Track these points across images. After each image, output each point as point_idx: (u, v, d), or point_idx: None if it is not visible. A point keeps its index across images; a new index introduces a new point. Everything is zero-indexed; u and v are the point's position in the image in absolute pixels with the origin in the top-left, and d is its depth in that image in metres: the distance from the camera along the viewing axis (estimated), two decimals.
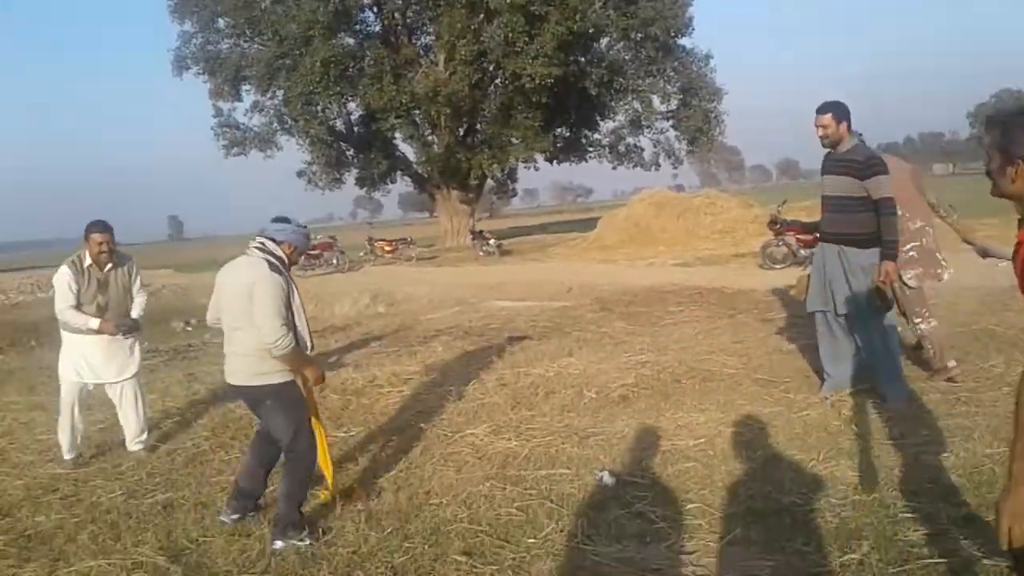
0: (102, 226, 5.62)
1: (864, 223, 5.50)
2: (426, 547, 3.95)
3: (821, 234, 5.90)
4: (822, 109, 5.61)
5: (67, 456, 5.79)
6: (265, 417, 4.36)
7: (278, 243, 4.26)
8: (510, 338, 9.42)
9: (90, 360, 5.77)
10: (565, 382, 6.87)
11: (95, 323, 5.62)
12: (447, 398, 6.70)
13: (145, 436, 6.03)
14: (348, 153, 35.01)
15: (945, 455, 4.53)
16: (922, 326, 6.27)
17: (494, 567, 3.69)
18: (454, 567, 3.71)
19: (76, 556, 4.11)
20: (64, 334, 5.85)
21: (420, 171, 34.78)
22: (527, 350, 8.51)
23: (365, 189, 37.37)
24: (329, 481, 4.60)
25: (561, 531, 4.03)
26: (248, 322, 4.09)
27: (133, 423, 5.96)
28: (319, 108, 31.53)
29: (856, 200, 5.52)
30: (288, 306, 4.15)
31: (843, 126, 5.56)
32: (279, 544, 4.07)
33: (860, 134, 5.69)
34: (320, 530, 4.21)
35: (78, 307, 5.63)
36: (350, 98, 31.94)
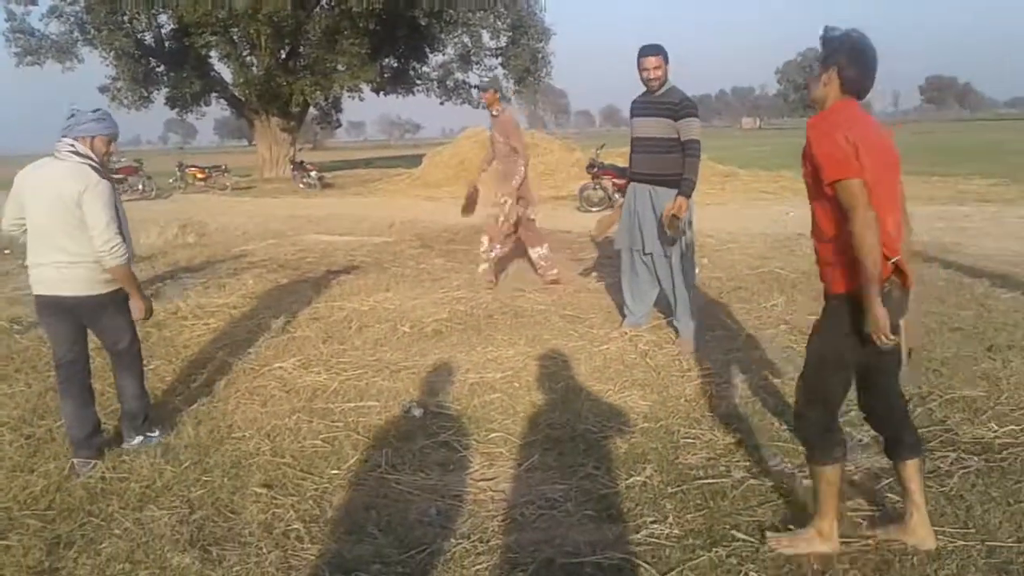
0: None
1: (674, 164, 5.67)
2: (225, 480, 3.89)
3: (632, 174, 6.05)
4: (650, 51, 5.68)
5: None
6: (104, 324, 4.16)
7: (91, 139, 3.98)
8: (327, 272, 9.26)
9: None
10: (380, 316, 6.86)
11: None
12: (256, 331, 6.53)
13: None
14: (158, 70, 32.45)
15: (725, 386, 4.94)
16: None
17: (295, 498, 3.69)
18: (253, 499, 3.68)
19: None
20: None
21: (237, 94, 32.89)
22: (343, 284, 8.40)
23: (176, 110, 34.86)
24: None
25: (366, 462, 4.08)
26: (79, 230, 3.87)
27: None
28: (126, 18, 28.96)
29: (668, 141, 5.68)
30: (117, 213, 3.98)
31: (667, 68, 5.72)
32: (137, 440, 4.20)
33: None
34: (112, 464, 4.04)
35: None
36: (161, 9, 29.49)
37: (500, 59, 35.62)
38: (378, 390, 5.10)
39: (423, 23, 30.21)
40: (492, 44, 35.35)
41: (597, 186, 16.35)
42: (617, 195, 15.90)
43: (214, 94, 34.10)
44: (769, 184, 19.88)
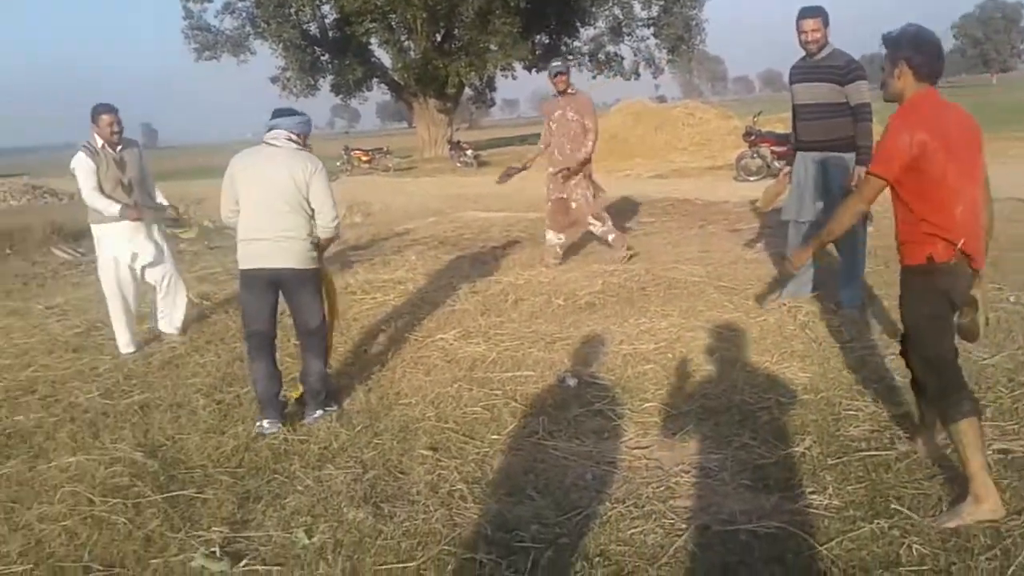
0: (109, 107, 5.77)
1: (845, 127, 5.49)
2: (394, 443, 4.15)
3: (798, 143, 5.88)
4: (810, 12, 5.50)
5: (127, 350, 5.99)
6: (303, 300, 4.53)
7: (299, 136, 4.48)
8: (484, 248, 9.54)
9: (128, 246, 5.92)
10: (535, 290, 7.02)
11: (115, 208, 5.71)
12: (419, 304, 6.85)
13: (181, 321, 6.40)
14: (323, 58, 34.12)
15: (891, 357, 4.74)
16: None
17: (458, 461, 3.90)
18: (420, 461, 3.92)
19: (56, 452, 4.28)
20: (94, 227, 5.96)
21: (396, 78, 34.06)
22: (500, 259, 8.64)
23: (341, 96, 36.56)
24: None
25: (523, 428, 4.24)
26: (301, 207, 4.33)
27: (180, 307, 6.34)
28: (292, 11, 30.58)
29: (836, 106, 5.50)
30: None
31: (827, 30, 5.51)
32: (318, 413, 4.52)
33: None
34: (293, 428, 4.41)
35: (102, 191, 5.74)
36: (324, 0, 31.00)
37: (652, 29, 35.01)
38: (534, 360, 5.25)
39: None
40: (644, 14, 34.81)
41: (755, 154, 15.85)
42: (777, 163, 15.36)
43: (375, 79, 35.43)
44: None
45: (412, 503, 3.51)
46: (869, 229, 6.35)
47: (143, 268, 6.06)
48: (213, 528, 3.39)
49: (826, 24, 5.50)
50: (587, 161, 7.82)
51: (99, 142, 5.76)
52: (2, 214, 19.02)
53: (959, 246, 3.01)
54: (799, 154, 5.86)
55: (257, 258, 4.37)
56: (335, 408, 4.65)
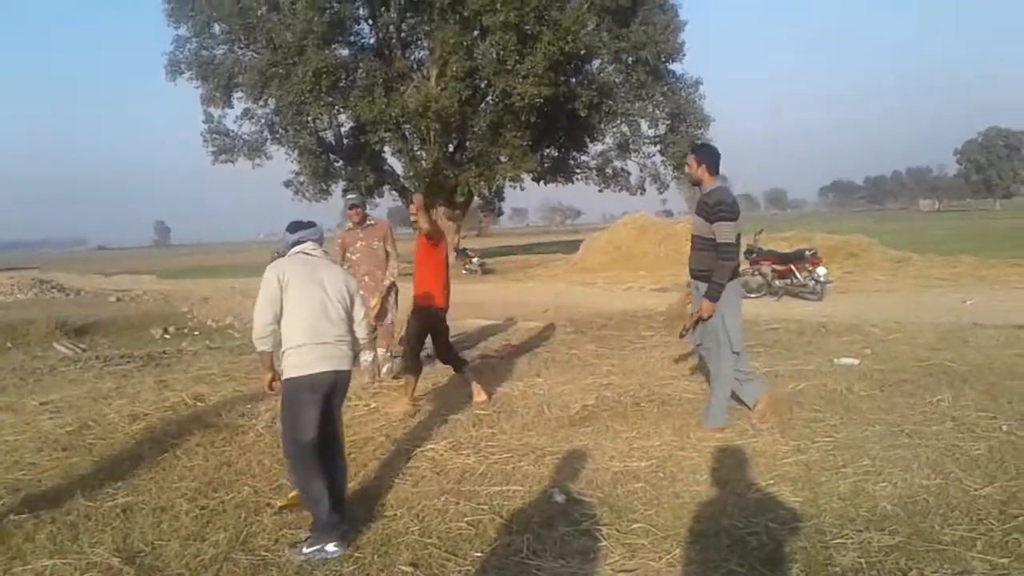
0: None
1: (711, 260, 5.81)
2: (375, 557, 4.08)
3: (689, 271, 6.19)
4: (690, 150, 6.22)
5: None
6: (338, 404, 4.57)
7: (320, 245, 4.69)
8: (481, 356, 9.56)
9: None
10: (529, 401, 7.02)
11: None
12: (412, 415, 6.82)
13: None
14: (336, 164, 35.04)
15: (883, 484, 4.69)
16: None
17: None
18: None
19: (33, 555, 4.20)
20: None
21: (407, 185, 34.88)
22: (496, 369, 8.65)
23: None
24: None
25: (508, 546, 4.16)
26: (348, 314, 4.54)
27: None
28: (309, 118, 31.58)
29: (707, 240, 5.84)
30: None
31: (702, 168, 5.91)
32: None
33: (725, 178, 6.16)
34: (274, 539, 4.33)
35: None
36: (341, 109, 32.01)
37: (658, 146, 35.98)
38: (523, 475, 5.20)
39: (583, 114, 31.09)
40: (650, 132, 35.85)
41: (756, 272, 16.03)
42: (777, 282, 15.52)
43: (386, 186, 36.27)
44: (945, 270, 18.79)
45: None
46: (865, 352, 6.42)
47: None
48: None
49: (700, 162, 5.91)
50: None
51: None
52: (9, 308, 19.18)
53: None
54: (692, 281, 6.17)
55: (323, 361, 4.36)
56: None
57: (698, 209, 5.95)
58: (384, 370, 8.32)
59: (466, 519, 4.52)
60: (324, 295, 4.42)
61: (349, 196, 8.42)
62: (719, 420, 6.02)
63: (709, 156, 5.94)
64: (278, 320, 4.34)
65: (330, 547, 4.11)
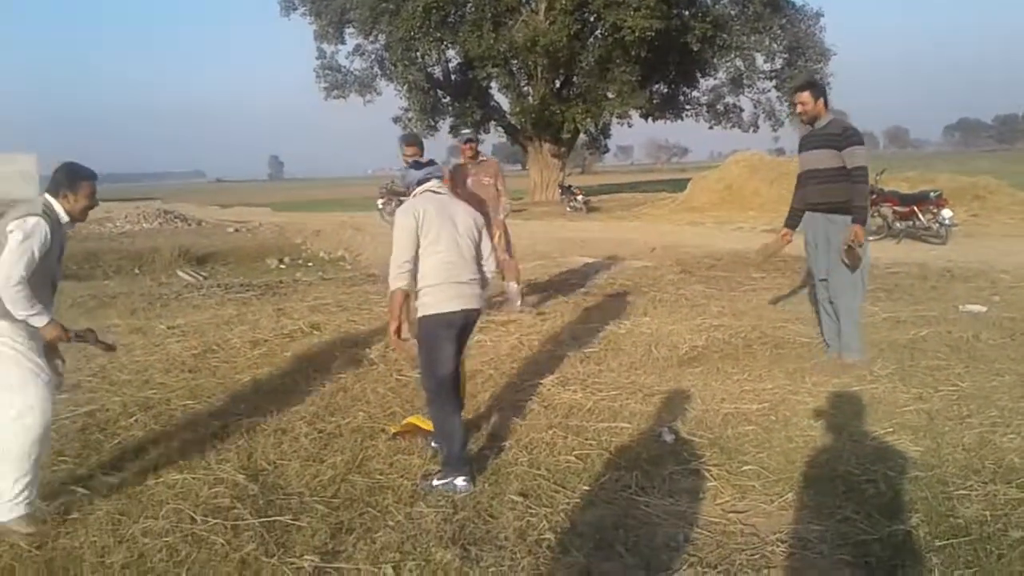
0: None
1: (844, 191, 5.83)
2: (486, 485, 4.17)
3: (807, 205, 6.20)
4: (800, 87, 6.25)
5: None
6: (464, 339, 4.61)
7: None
8: (587, 294, 9.53)
9: None
10: (636, 340, 6.96)
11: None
12: (519, 348, 6.88)
13: None
14: (444, 101, 35.21)
15: (1011, 436, 4.47)
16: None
17: (548, 509, 3.87)
18: (510, 506, 3.91)
19: (164, 469, 4.47)
20: None
21: (514, 122, 34.75)
22: (602, 307, 8.60)
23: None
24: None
25: (616, 481, 4.17)
26: (479, 253, 4.51)
27: None
28: (418, 54, 31.68)
29: (835, 171, 5.86)
30: None
31: (819, 103, 5.96)
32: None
33: (843, 112, 6.19)
34: (388, 462, 4.49)
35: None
36: (449, 45, 32.01)
37: (774, 81, 34.52)
38: (631, 412, 5.19)
39: (695, 48, 30.07)
40: (766, 67, 34.41)
41: (875, 213, 15.29)
42: (898, 224, 14.81)
43: (492, 122, 36.26)
44: None
45: (499, 548, 3.50)
46: (993, 299, 6.17)
47: None
48: (305, 556, 3.46)
49: (817, 97, 5.97)
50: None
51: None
52: (136, 236, 20.26)
53: None
54: (807, 215, 6.23)
55: (461, 299, 4.38)
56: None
57: (818, 143, 5.95)
58: (518, 303, 8.45)
59: (574, 453, 4.56)
60: (456, 233, 4.40)
61: (464, 131, 8.52)
62: (859, 352, 6.04)
63: (823, 91, 6.04)
64: (415, 259, 4.37)
65: (459, 481, 4.18)
